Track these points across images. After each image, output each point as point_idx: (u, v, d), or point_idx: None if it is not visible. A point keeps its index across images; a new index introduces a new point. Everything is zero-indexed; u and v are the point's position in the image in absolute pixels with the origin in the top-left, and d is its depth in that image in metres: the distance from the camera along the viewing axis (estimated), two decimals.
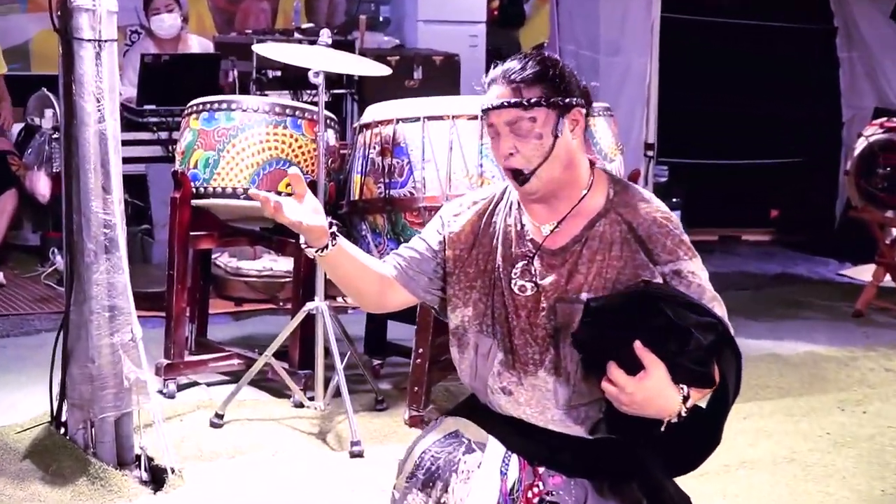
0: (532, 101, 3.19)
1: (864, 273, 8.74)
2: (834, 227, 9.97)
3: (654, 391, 3.00)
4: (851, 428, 5.65)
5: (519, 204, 3.35)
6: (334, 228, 3.23)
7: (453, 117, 5.43)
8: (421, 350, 5.48)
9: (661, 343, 3.02)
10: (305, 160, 5.67)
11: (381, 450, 5.18)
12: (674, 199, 8.99)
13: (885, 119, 8.27)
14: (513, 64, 3.24)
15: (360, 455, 5.11)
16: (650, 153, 8.52)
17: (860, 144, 8.04)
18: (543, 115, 3.20)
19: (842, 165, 9.50)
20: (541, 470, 3.37)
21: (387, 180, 5.47)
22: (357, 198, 5.59)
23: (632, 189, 3.35)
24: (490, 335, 3.34)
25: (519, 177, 3.23)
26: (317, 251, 3.23)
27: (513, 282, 3.30)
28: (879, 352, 7.03)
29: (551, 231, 3.28)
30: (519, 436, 3.38)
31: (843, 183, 9.33)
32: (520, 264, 3.31)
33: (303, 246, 3.27)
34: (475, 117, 5.42)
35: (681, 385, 3.02)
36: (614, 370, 3.02)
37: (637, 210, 3.29)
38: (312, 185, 5.51)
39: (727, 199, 10.08)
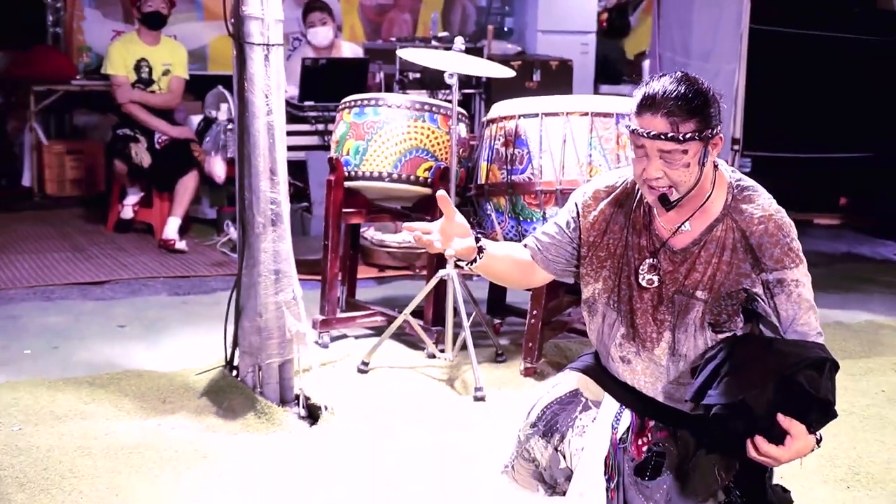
0: (687, 136, 3.04)
1: None
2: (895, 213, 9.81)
3: (800, 451, 2.99)
4: None
5: (648, 207, 3.31)
6: (481, 242, 3.24)
7: (567, 114, 5.43)
8: (535, 312, 5.51)
9: (798, 409, 2.99)
10: (440, 150, 5.72)
11: (500, 395, 5.22)
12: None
13: None
14: (669, 91, 3.06)
15: (482, 399, 5.15)
16: (736, 147, 8.43)
17: None
18: (695, 148, 3.07)
19: None
20: (650, 424, 3.37)
21: (509, 167, 5.49)
22: (483, 182, 5.63)
23: (749, 194, 3.23)
24: (615, 310, 3.33)
25: (665, 203, 3.13)
26: (467, 264, 3.25)
27: (640, 276, 3.28)
28: None
29: (675, 232, 3.24)
30: (631, 394, 3.39)
31: None
32: (647, 261, 3.29)
33: (454, 259, 3.29)
34: (586, 114, 5.42)
35: (817, 432, 3.02)
36: (764, 445, 2.98)
37: (752, 218, 3.18)
38: (446, 171, 5.58)
39: (802, 187, 9.93)
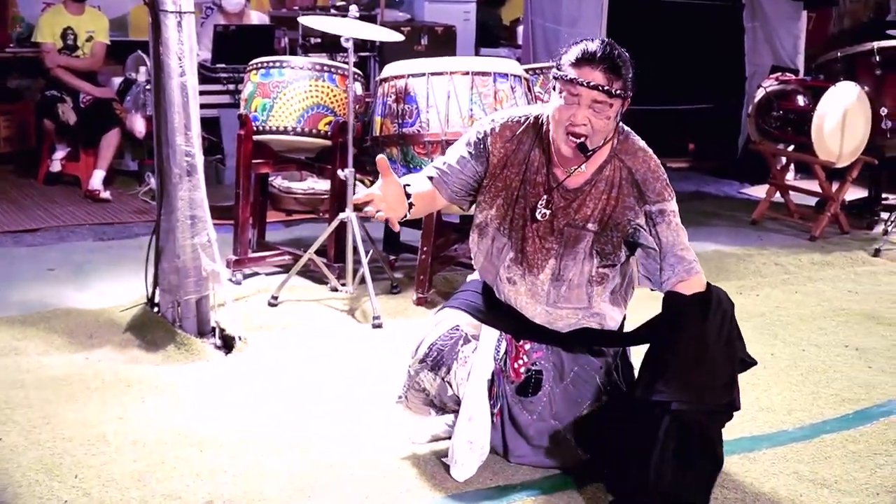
0: (617, 92, 3.08)
1: (759, 191, 8.69)
2: (737, 157, 9.90)
3: None
4: (748, 307, 5.64)
5: (549, 140, 3.27)
6: (411, 199, 3.16)
7: (451, 73, 5.37)
8: (425, 248, 5.46)
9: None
10: (339, 106, 5.62)
11: (396, 323, 5.17)
12: None
13: (779, 74, 8.20)
14: (606, 51, 3.09)
15: (379, 326, 5.09)
16: None
17: (759, 93, 7.96)
18: (617, 105, 3.11)
19: (744, 109, 9.44)
20: (526, 346, 3.36)
21: (400, 121, 5.42)
22: (378, 134, 5.54)
23: (630, 138, 3.28)
24: (506, 236, 3.31)
25: (584, 151, 3.13)
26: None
27: (538, 211, 3.26)
28: (770, 250, 7.01)
29: (571, 173, 3.23)
30: (509, 317, 3.37)
31: (745, 123, 9.27)
32: (544, 197, 3.26)
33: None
34: (467, 73, 5.37)
35: None
36: None
37: (636, 157, 3.26)
38: (344, 125, 5.47)
39: (655, 135, 9.96)
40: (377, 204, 3.08)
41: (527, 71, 5.92)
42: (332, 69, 5.67)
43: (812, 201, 8.21)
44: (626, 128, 3.32)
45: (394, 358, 4.56)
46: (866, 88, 7.39)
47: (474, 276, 3.58)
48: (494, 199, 3.33)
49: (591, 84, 3.06)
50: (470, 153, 3.34)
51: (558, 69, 3.14)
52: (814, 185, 7.94)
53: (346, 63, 5.46)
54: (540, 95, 6.13)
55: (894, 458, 3.75)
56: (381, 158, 3.11)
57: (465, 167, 3.35)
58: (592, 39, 3.14)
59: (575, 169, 3.21)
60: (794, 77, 8.14)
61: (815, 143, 7.30)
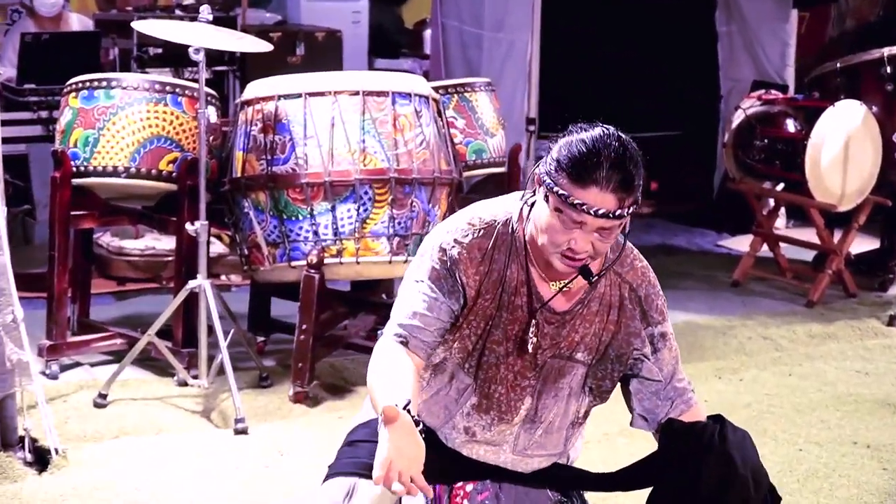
0: (629, 210, 3.07)
1: (741, 243, 8.84)
2: (712, 199, 10.04)
3: None
4: (729, 396, 5.73)
5: (527, 253, 3.27)
6: (408, 406, 2.97)
7: (335, 93, 5.41)
8: (305, 326, 5.46)
9: None
10: (187, 137, 5.62)
11: (266, 427, 5.16)
12: None
13: (762, 91, 8.35)
14: (615, 161, 3.03)
15: (244, 432, 5.07)
16: (532, 128, 8.51)
17: (738, 117, 8.10)
18: (626, 220, 3.12)
19: (720, 138, 9.56)
20: (468, 487, 3.38)
21: (269, 157, 5.43)
22: (239, 175, 5.54)
23: (623, 245, 3.27)
24: (470, 376, 3.29)
25: (587, 275, 3.12)
26: None
27: (529, 340, 3.26)
28: (756, 320, 7.12)
29: (559, 290, 3.22)
30: (446, 461, 3.35)
31: (721, 155, 9.39)
32: (534, 321, 3.26)
33: None
34: (357, 93, 5.41)
35: None
36: None
37: (635, 270, 3.30)
38: (194, 163, 5.46)
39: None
40: (396, 467, 2.95)
41: (437, 90, 5.98)
42: (178, 90, 5.68)
43: (809, 255, 8.36)
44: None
45: (263, 475, 4.54)
46: (874, 109, 7.57)
47: (363, 415, 3.53)
48: (465, 334, 3.30)
49: (601, 213, 3.04)
50: (440, 290, 3.26)
51: (552, 181, 3.09)
52: (811, 235, 8.09)
53: (197, 81, 5.46)
54: (453, 121, 6.19)
55: None
56: (388, 408, 2.91)
57: (440, 311, 3.25)
58: (594, 140, 3.09)
59: (566, 284, 3.21)
60: (781, 95, 8.32)
61: (810, 180, 7.45)
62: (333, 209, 5.39)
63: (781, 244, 8.26)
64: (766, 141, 7.84)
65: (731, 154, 8.10)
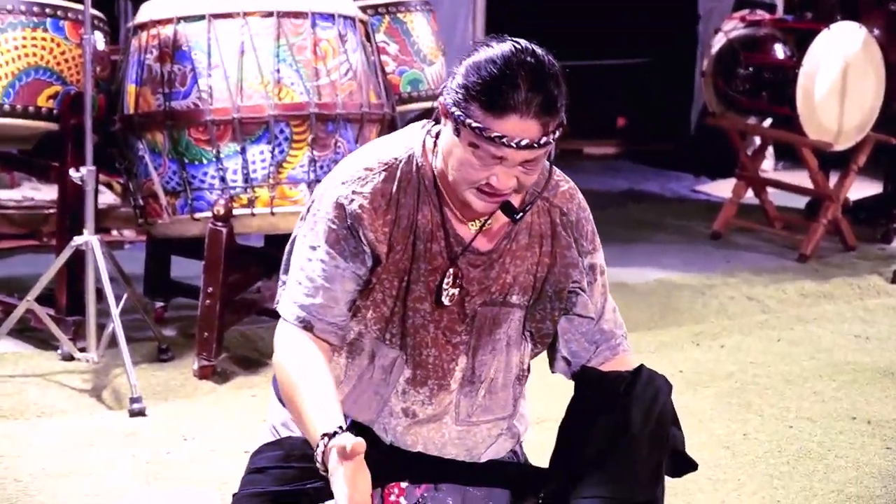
0: (555, 134, 3.03)
1: (722, 189, 8.91)
2: (689, 137, 10.10)
3: None
4: (708, 365, 5.78)
5: (438, 191, 3.23)
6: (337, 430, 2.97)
7: (245, 14, 5.39)
8: (211, 289, 5.45)
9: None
10: (70, 68, 5.58)
11: (166, 407, 5.15)
12: None
13: (746, 11, 8.41)
14: (534, 82, 2.97)
15: (141, 413, 5.05)
16: None
17: (718, 41, 8.14)
18: (552, 145, 3.09)
19: (697, 66, 9.62)
20: (402, 484, 3.38)
21: (167, 90, 5.41)
22: (132, 112, 5.52)
23: (545, 167, 3.25)
24: (396, 346, 3.27)
25: (511, 212, 3.13)
26: None
27: (444, 293, 3.25)
28: (740, 277, 7.19)
29: (481, 228, 3.22)
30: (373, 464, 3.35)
31: (698, 86, 9.45)
32: (450, 271, 3.24)
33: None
34: (270, 14, 5.39)
35: None
36: None
37: (563, 192, 3.30)
38: (79, 98, 5.43)
39: (568, 106, 10.10)
40: None
41: (364, 10, 5.97)
42: (59, 12, 5.62)
43: (801, 203, 8.44)
44: None
45: (164, 463, 4.54)
46: (876, 32, 7.62)
47: (272, 419, 3.54)
48: (379, 299, 3.29)
49: (524, 144, 3.01)
50: (341, 255, 3.23)
51: (463, 112, 3.05)
52: (803, 179, 8.16)
53: (81, 2, 5.42)
54: (384, 47, 6.19)
55: None
56: (340, 448, 2.89)
57: (344, 281, 3.22)
58: (506, 58, 3.06)
59: (486, 222, 3.21)
60: (768, 16, 8.36)
61: (802, 114, 7.50)
62: (243, 151, 5.38)
63: (769, 189, 8.33)
64: (750, 69, 7.88)
65: (710, 84, 8.15)
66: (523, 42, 3.06)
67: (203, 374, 5.45)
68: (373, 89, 5.70)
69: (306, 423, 3.04)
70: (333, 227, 3.18)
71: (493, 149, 2.99)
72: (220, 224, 5.38)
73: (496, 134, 2.97)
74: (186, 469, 4.58)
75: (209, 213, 5.41)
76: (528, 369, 3.43)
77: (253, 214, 5.45)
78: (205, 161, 5.40)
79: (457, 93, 3.03)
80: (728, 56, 8.00)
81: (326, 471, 2.94)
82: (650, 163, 10.13)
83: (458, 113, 3.01)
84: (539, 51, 3.05)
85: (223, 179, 5.40)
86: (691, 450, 4.56)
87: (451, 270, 3.23)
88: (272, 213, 5.46)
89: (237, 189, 5.41)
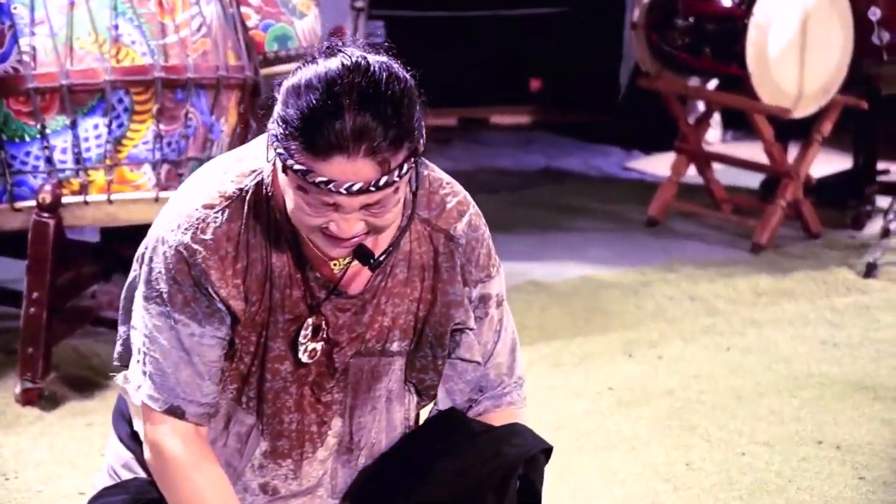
0: (403, 169, 2.94)
1: (659, 166, 8.97)
2: (617, 103, 10.16)
3: None
4: (643, 380, 5.83)
5: (293, 228, 3.18)
6: None
7: None
8: (36, 295, 5.42)
9: None
10: None
11: None
12: None
13: None
14: (366, 107, 2.87)
15: None
16: (359, 4, 8.55)
17: None
18: (407, 177, 3.01)
19: (627, 15, 9.68)
20: None
21: None
22: None
23: (429, 178, 3.26)
24: (252, 412, 3.29)
25: (368, 261, 3.08)
26: None
27: (300, 348, 3.24)
28: (681, 273, 7.25)
29: (345, 267, 3.18)
30: None
31: (628, 40, 9.51)
32: (309, 321, 3.22)
33: None
34: None
35: None
36: None
37: (450, 211, 3.25)
38: None
39: (469, 66, 10.14)
40: None
41: None
42: None
43: (755, 181, 8.51)
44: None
45: None
46: None
47: (111, 461, 3.56)
48: (238, 355, 3.29)
49: (356, 189, 2.95)
50: (194, 320, 3.21)
51: (284, 149, 2.96)
52: (756, 153, 8.23)
53: None
54: None
55: None
56: None
57: (203, 347, 3.22)
58: (328, 82, 2.97)
59: (348, 265, 3.19)
60: None
61: (753, 75, 7.57)
62: (74, 125, 5.36)
63: (715, 166, 8.40)
64: (691, 20, 7.93)
65: (643, 39, 8.19)
66: (357, 55, 2.95)
67: (27, 398, 5.42)
68: (231, 48, 5.69)
69: None
70: (177, 286, 3.13)
71: (322, 196, 2.93)
72: (46, 215, 5.36)
73: (321, 179, 2.89)
74: None
75: (33, 202, 5.39)
76: (417, 423, 3.44)
77: (86, 203, 5.43)
78: (27, 138, 5.37)
79: (278, 125, 2.95)
80: (664, 4, 8.04)
81: None
82: (571, 134, 10.16)
83: (280, 150, 2.94)
84: (377, 65, 2.95)
85: (49, 160, 5.38)
86: (627, 482, 4.63)
87: (309, 321, 3.19)
88: (109, 202, 5.43)
89: (67, 172, 5.39)
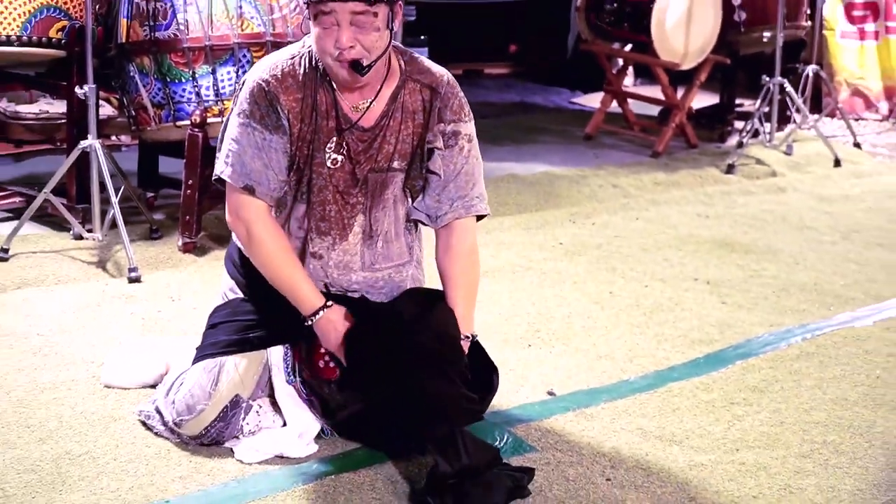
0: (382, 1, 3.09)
1: (593, 100, 8.91)
2: (567, 59, 10.08)
3: None
4: (582, 237, 5.81)
5: (330, 81, 3.27)
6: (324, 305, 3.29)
7: None
8: (191, 181, 5.41)
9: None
10: (75, 6, 5.47)
11: (158, 275, 5.12)
12: (421, 37, 8.97)
13: None
14: None
15: (137, 280, 5.03)
16: None
17: None
18: (383, 11, 3.11)
19: (573, 2, 9.56)
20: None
21: (152, 23, 5.32)
22: (124, 41, 5.43)
23: (415, 55, 3.36)
24: (304, 201, 3.32)
25: (360, 68, 3.14)
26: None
27: (327, 156, 3.28)
28: (607, 170, 7.21)
29: (366, 110, 3.27)
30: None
31: (574, 18, 9.41)
32: (333, 139, 3.28)
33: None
34: None
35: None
36: None
37: (433, 73, 3.34)
38: (82, 30, 5.34)
39: (470, 35, 10.08)
40: None
41: None
42: None
43: (654, 111, 8.45)
44: (400, 46, 3.40)
45: (156, 319, 4.53)
46: None
47: (223, 287, 3.59)
48: (296, 162, 3.33)
49: None
50: (267, 128, 3.24)
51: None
52: (656, 92, 8.18)
53: None
54: None
55: (754, 408, 3.90)
56: (341, 324, 3.27)
57: (274, 151, 3.28)
58: None
59: (369, 105, 3.26)
60: None
61: (655, 40, 7.51)
62: (214, 72, 5.31)
63: (629, 100, 8.35)
64: (615, 4, 7.86)
65: (583, 17, 8.11)
66: None
67: (186, 249, 5.41)
68: None
69: (296, 300, 3.27)
70: (256, 105, 3.24)
71: (322, 8, 3.09)
72: (196, 130, 5.34)
73: None
74: (173, 323, 4.57)
75: (188, 122, 5.35)
76: (408, 218, 3.46)
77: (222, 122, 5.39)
78: (183, 80, 5.33)
79: None
80: None
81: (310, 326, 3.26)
82: (536, 80, 10.09)
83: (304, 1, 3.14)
84: None
85: (198, 94, 5.34)
86: (571, 304, 4.60)
87: (334, 138, 3.28)
88: None
89: (209, 102, 5.35)
